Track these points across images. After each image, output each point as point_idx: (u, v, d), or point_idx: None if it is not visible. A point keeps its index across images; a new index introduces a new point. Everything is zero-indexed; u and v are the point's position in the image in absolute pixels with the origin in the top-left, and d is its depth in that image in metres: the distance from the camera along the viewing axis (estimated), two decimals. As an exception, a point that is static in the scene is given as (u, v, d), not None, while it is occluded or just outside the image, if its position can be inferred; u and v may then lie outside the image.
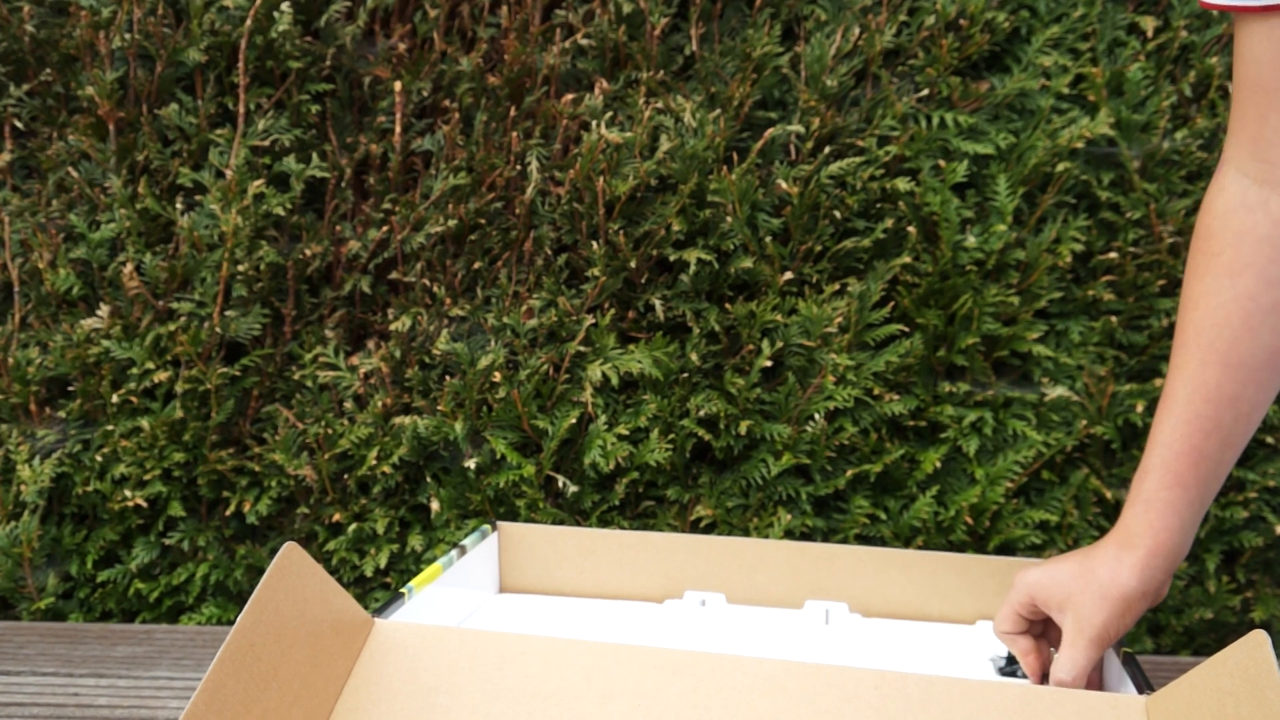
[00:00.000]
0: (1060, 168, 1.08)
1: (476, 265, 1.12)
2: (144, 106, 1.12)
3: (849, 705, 0.60)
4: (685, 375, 1.10)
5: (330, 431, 1.12)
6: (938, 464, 1.10)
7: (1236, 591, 1.14)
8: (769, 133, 1.09)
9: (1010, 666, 0.83)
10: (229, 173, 1.10)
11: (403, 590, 0.79)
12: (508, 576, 0.99)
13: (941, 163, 1.10)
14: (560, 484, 1.11)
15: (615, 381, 1.10)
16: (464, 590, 0.91)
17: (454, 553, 0.89)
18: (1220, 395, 0.70)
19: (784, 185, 1.08)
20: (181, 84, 1.14)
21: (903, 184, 1.09)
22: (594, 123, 1.09)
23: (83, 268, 1.14)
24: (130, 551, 1.14)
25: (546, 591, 0.99)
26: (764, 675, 0.62)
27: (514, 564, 0.99)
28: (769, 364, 1.09)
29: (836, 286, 1.10)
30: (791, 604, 0.95)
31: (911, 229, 1.10)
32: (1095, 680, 0.75)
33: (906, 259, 1.10)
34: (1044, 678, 0.77)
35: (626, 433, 1.10)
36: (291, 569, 0.60)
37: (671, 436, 1.10)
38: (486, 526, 0.97)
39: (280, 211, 1.11)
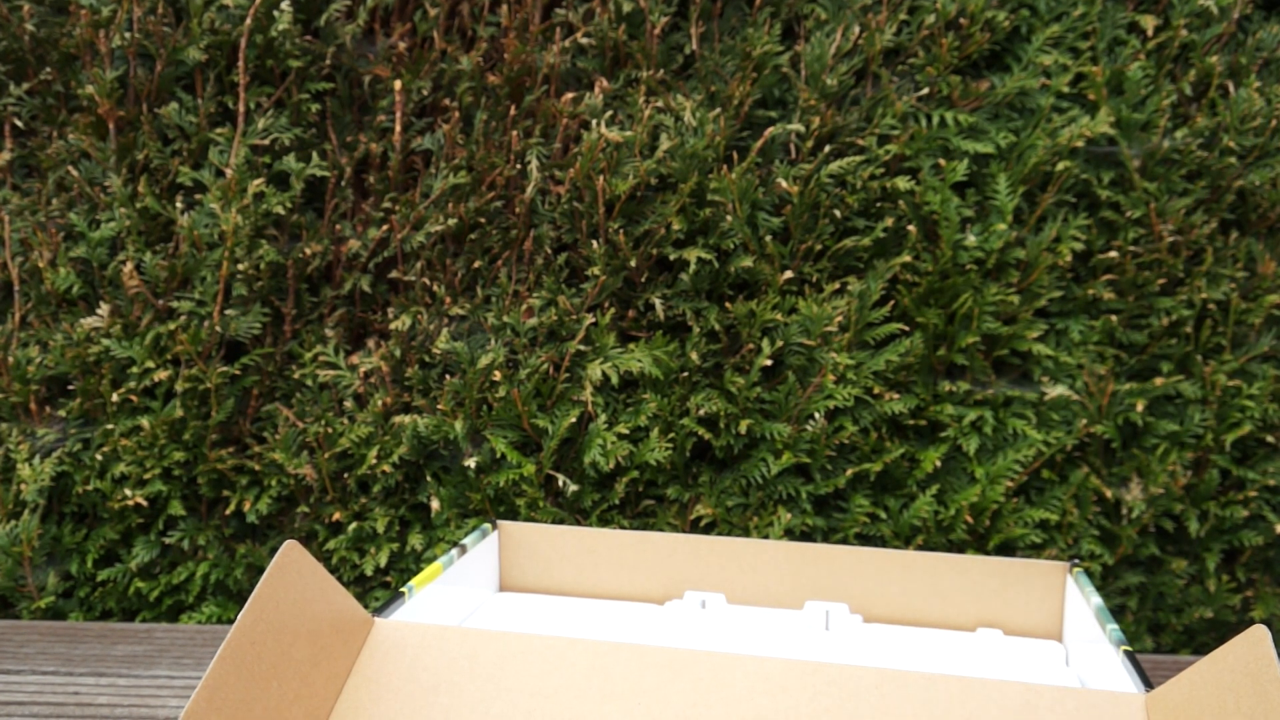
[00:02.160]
0: (1060, 166, 1.08)
1: (476, 264, 1.12)
2: (144, 105, 1.12)
3: (850, 703, 0.60)
4: (685, 374, 1.10)
5: (330, 430, 1.12)
6: (938, 463, 1.10)
7: (1236, 590, 1.14)
8: (769, 132, 1.09)
9: None
10: (229, 172, 1.10)
11: (403, 589, 0.79)
12: (508, 576, 0.99)
13: (941, 162, 1.10)
14: (560, 483, 1.11)
15: (615, 380, 1.10)
16: (464, 589, 0.91)
17: (454, 552, 0.89)
18: None
19: (784, 184, 1.08)
20: (181, 83, 1.14)
21: (903, 183, 1.09)
22: (594, 122, 1.09)
23: (83, 267, 1.14)
24: (130, 550, 1.14)
25: (546, 591, 0.99)
26: (764, 674, 0.62)
27: (514, 563, 0.99)
28: (769, 363, 1.09)
29: (836, 285, 1.10)
30: (792, 604, 0.95)
31: (911, 228, 1.10)
32: None
33: (906, 258, 1.10)
34: None
35: (626, 432, 1.10)
36: (292, 567, 0.60)
37: (671, 435, 1.10)
38: (487, 525, 0.97)
39: (280, 210, 1.11)
